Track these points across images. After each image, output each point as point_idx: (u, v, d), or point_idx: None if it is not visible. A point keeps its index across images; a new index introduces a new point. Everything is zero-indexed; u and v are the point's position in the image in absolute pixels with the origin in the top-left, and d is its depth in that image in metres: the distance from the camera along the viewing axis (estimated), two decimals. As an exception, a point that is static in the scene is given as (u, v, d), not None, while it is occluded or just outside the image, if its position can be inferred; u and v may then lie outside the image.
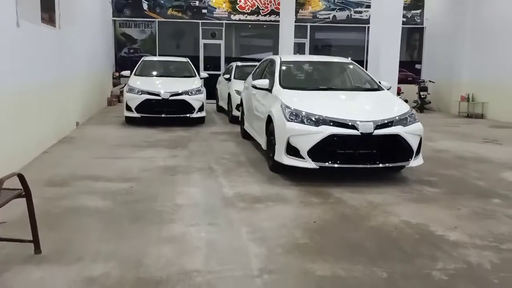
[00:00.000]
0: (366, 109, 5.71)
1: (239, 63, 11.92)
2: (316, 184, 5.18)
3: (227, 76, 11.51)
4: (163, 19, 15.34)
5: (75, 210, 4.22)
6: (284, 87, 6.11)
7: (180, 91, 9.57)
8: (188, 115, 9.63)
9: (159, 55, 14.87)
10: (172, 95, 9.46)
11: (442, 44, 14.69)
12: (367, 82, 6.53)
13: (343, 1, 15.68)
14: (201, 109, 9.76)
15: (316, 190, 4.99)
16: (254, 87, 6.56)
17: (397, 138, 5.18)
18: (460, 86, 13.60)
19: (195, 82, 10.13)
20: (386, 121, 5.20)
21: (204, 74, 11.33)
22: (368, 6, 15.57)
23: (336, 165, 5.13)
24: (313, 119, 5.19)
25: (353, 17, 15.79)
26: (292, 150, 5.21)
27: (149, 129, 9.17)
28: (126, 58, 15.29)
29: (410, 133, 5.27)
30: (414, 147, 5.29)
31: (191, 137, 8.41)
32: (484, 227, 3.95)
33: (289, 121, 5.29)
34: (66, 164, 6.05)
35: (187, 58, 11.49)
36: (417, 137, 5.37)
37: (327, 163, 5.11)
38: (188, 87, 9.78)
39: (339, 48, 16.03)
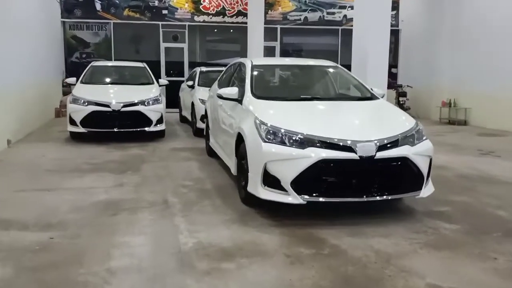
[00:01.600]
0: (363, 125, 4.50)
1: (204, 68, 10.63)
2: (303, 223, 3.97)
3: (190, 83, 10.18)
4: (118, 21, 13.85)
5: (-44, 286, 2.85)
6: (257, 97, 4.89)
7: (135, 101, 8.23)
8: (145, 128, 8.29)
9: (115, 60, 13.38)
10: (125, 106, 8.10)
11: (419, 47, 13.88)
12: (358, 90, 5.39)
13: (315, 1, 14.66)
14: (159, 121, 8.43)
15: (304, 233, 3.79)
16: (220, 97, 5.29)
17: (404, 161, 4.04)
18: (441, 91, 12.80)
19: (153, 91, 8.78)
20: (390, 140, 4.05)
21: (164, 81, 9.94)
22: (342, 7, 14.69)
23: (326, 200, 3.96)
24: (297, 138, 3.99)
25: (325, 18, 14.79)
26: (270, 180, 3.99)
27: (98, 146, 7.75)
28: (77, 64, 13.66)
29: (420, 154, 4.13)
30: (424, 172, 4.17)
31: (146, 156, 7.06)
32: (543, 293, 2.84)
33: (266, 141, 4.07)
34: (-26, 201, 4.62)
35: (144, 63, 10.09)
36: (427, 158, 4.25)
37: (314, 197, 3.91)
38: (144, 96, 8.43)
39: (310, 52, 14.93)
